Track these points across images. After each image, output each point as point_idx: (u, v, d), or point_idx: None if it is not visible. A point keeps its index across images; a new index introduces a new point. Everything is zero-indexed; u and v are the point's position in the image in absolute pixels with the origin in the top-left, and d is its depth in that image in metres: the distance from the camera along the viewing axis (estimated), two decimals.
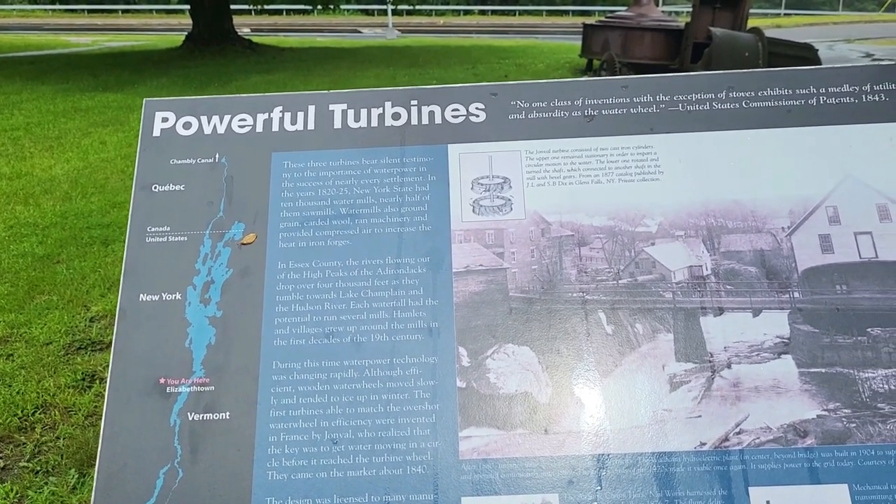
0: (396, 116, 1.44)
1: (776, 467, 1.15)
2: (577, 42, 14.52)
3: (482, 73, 13.46)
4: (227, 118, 1.46)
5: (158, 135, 1.46)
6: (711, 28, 10.58)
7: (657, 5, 13.93)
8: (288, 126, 1.44)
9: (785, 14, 36.91)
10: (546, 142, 1.40)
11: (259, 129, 1.44)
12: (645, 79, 1.45)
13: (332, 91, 1.48)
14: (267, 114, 1.46)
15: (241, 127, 1.45)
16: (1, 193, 5.43)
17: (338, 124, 1.44)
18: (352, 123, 1.44)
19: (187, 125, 1.46)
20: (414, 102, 1.46)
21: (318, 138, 1.43)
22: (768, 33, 10.51)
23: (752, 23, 12.33)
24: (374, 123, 1.44)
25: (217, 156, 1.42)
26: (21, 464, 2.41)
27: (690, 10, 11.97)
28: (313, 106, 1.46)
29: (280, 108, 1.46)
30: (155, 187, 1.41)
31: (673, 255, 1.31)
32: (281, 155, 1.42)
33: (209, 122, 1.46)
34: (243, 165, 1.41)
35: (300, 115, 1.45)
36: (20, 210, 5.05)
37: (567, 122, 1.42)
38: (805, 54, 9.58)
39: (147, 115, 1.47)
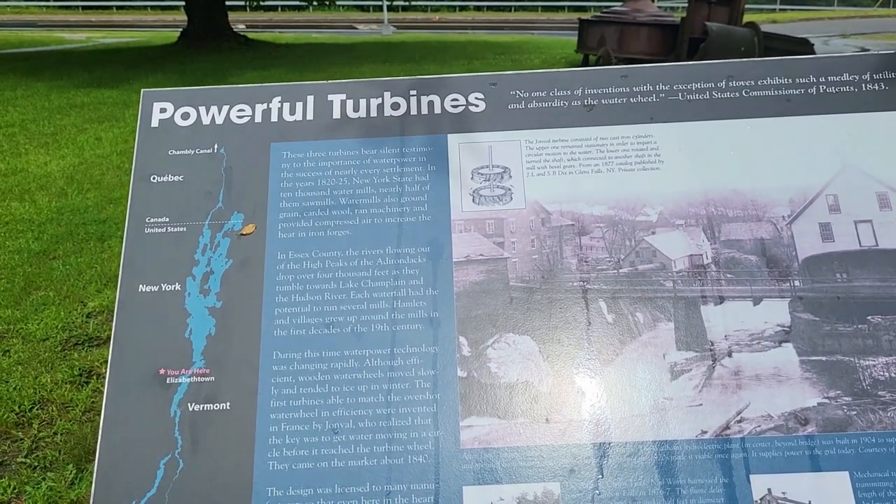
0: (396, 106, 1.44)
1: (777, 455, 1.15)
2: (573, 37, 14.49)
3: (478, 68, 13.42)
4: (225, 108, 1.45)
5: (157, 125, 1.45)
6: (707, 23, 10.57)
7: (653, 0, 13.91)
8: (287, 116, 1.44)
9: (780, 9, 36.93)
10: (546, 131, 1.40)
11: (258, 119, 1.44)
12: (644, 68, 1.45)
13: (331, 81, 1.47)
14: (266, 104, 1.45)
15: (239, 117, 1.44)
16: None
17: (337, 114, 1.44)
18: (351, 114, 1.44)
19: (185, 115, 1.45)
20: (413, 92, 1.45)
21: (318, 128, 1.43)
22: (764, 28, 10.52)
23: (747, 18, 12.33)
24: (374, 113, 1.43)
25: (216, 146, 1.42)
26: (18, 459, 2.40)
27: (686, 5, 11.96)
28: (312, 96, 1.45)
29: (279, 98, 1.45)
30: (153, 178, 1.40)
31: (673, 243, 1.31)
32: (280, 145, 1.41)
33: (207, 113, 1.45)
34: (242, 156, 1.41)
35: (299, 105, 1.45)
36: (16, 206, 5.03)
37: (567, 111, 1.41)
38: (801, 49, 9.60)
39: (145, 106, 1.46)
